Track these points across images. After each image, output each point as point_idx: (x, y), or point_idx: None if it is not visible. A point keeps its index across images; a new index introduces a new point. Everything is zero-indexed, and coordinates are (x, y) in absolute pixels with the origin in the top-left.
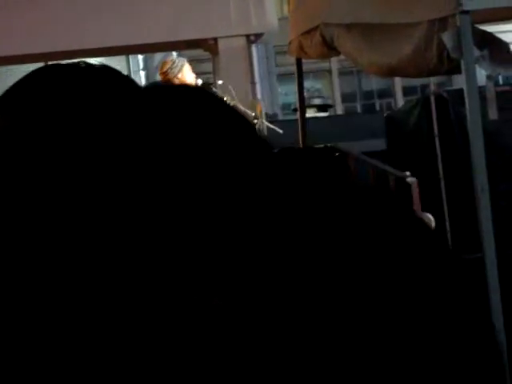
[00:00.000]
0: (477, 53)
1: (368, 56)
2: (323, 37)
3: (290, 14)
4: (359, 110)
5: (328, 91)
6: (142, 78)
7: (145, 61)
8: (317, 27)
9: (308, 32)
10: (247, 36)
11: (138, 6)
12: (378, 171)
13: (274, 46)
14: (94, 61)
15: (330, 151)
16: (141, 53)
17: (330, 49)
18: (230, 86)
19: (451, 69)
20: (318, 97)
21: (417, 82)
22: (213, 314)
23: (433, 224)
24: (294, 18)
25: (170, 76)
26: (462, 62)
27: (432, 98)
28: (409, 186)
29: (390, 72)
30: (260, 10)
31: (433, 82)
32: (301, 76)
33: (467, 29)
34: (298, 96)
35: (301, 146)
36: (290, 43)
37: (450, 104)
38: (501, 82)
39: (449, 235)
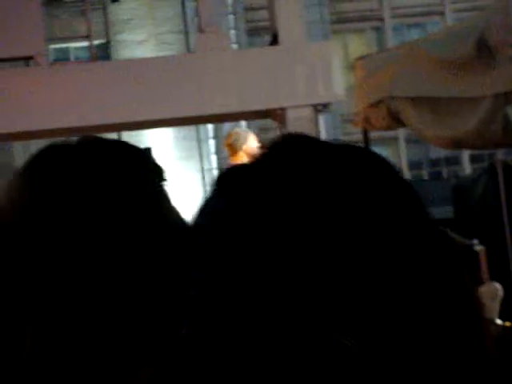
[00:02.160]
0: None
1: (433, 129)
2: (389, 109)
3: (355, 88)
4: (426, 177)
5: (395, 158)
6: (211, 146)
7: (214, 129)
8: (383, 100)
9: (374, 105)
10: (314, 106)
11: (207, 77)
12: None
13: (341, 115)
14: (163, 130)
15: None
16: (210, 123)
17: (395, 121)
18: None
19: None
20: None
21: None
22: (344, 353)
23: (501, 293)
24: (360, 91)
25: (236, 147)
26: None
27: (499, 167)
28: (476, 254)
29: (456, 144)
30: (327, 80)
31: (500, 150)
32: (368, 147)
33: None
34: None
35: None
36: (355, 115)
37: None
38: None
39: None
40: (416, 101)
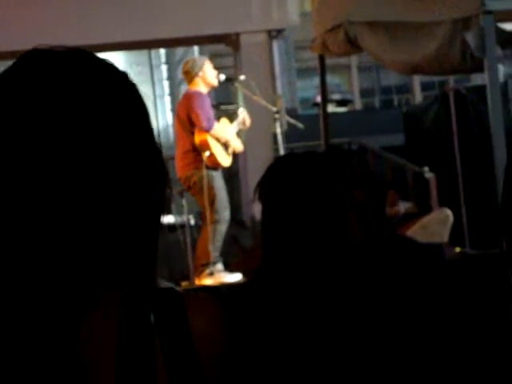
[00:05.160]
0: (499, 52)
1: (391, 54)
2: (347, 34)
3: (313, 12)
4: (377, 105)
5: (347, 86)
6: (163, 72)
7: (167, 55)
8: (340, 25)
9: (332, 30)
10: (269, 31)
11: (161, 0)
12: (396, 166)
13: (294, 41)
14: (115, 55)
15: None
16: (163, 47)
17: (353, 46)
18: (252, 82)
19: (474, 67)
20: (337, 92)
21: (435, 77)
22: None
23: (451, 219)
24: (318, 15)
25: (192, 74)
26: (485, 61)
27: (451, 95)
28: (427, 181)
29: (413, 70)
30: (282, 6)
31: (452, 78)
32: (324, 73)
33: (490, 28)
34: (321, 92)
35: (323, 141)
36: (313, 40)
37: (469, 100)
38: None
39: (465, 230)
40: (373, 25)
